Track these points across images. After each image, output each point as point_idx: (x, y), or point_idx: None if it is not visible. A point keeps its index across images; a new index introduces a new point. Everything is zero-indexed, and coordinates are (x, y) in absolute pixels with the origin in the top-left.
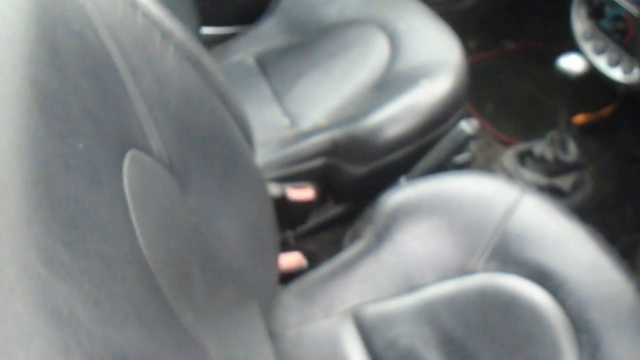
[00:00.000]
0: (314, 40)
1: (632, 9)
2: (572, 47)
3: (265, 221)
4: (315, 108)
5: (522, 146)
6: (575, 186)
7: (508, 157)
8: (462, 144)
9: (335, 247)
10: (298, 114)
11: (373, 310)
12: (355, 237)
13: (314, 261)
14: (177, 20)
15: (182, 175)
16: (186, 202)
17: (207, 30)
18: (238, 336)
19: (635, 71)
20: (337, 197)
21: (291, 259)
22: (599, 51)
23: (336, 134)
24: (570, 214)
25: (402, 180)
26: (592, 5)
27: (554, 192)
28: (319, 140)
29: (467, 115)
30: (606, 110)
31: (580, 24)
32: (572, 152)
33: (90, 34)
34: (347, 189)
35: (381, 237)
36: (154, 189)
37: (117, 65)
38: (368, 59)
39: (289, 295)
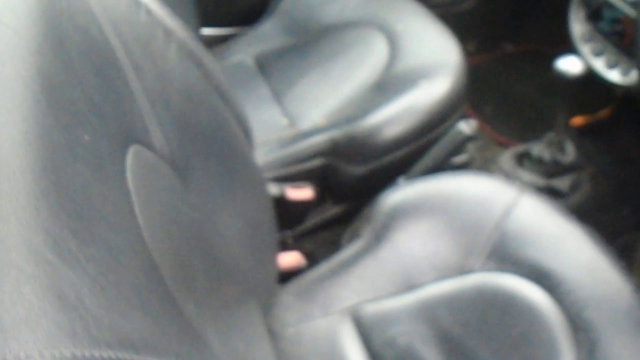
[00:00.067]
0: (313, 41)
1: (629, 11)
2: (570, 49)
3: (265, 219)
4: (315, 108)
5: (520, 147)
6: (573, 187)
7: (506, 158)
8: (460, 145)
9: (334, 247)
10: (297, 114)
11: (372, 309)
12: (354, 236)
13: (312, 261)
14: (178, 19)
15: (183, 172)
16: (187, 198)
17: (207, 31)
18: (238, 332)
19: (633, 73)
20: (335, 197)
21: (290, 258)
22: (597, 53)
23: (335, 134)
24: (568, 214)
25: (401, 180)
26: (590, 7)
27: (551, 193)
28: (318, 140)
29: (465, 117)
30: (604, 112)
31: (578, 26)
32: (570, 153)
33: (94, 30)
34: (346, 189)
35: (380, 237)
36: (156, 184)
37: (120, 61)
38: (367, 60)
39: (288, 294)
